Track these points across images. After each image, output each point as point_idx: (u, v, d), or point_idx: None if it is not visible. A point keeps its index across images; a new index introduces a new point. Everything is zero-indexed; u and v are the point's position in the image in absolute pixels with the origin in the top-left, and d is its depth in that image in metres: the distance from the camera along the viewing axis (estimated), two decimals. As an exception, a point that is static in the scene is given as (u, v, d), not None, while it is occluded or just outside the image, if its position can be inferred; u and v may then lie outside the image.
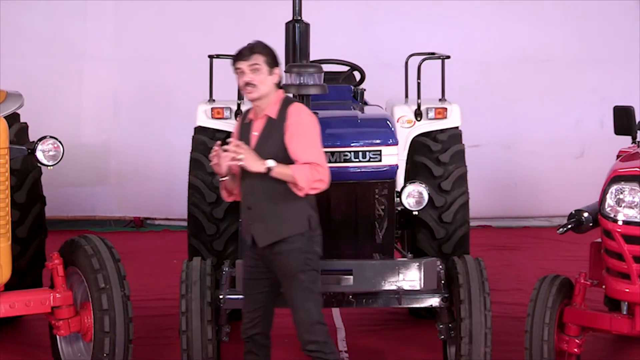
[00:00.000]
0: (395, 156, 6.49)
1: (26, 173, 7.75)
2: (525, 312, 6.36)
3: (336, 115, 6.98)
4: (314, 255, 5.85)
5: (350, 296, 6.53)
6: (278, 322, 8.16)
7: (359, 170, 6.43)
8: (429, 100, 8.03)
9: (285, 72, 6.56)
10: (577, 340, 6.27)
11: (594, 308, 6.52)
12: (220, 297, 6.40)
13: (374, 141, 6.45)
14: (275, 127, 5.78)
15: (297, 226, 5.78)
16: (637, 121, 6.88)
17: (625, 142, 7.11)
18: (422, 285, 6.33)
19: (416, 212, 6.82)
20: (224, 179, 5.85)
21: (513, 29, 12.28)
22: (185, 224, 7.93)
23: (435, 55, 8.25)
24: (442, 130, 7.96)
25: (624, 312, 6.14)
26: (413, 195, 6.76)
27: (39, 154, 6.80)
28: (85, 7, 12.09)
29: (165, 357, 7.34)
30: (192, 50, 11.00)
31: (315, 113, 6.59)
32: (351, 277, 6.25)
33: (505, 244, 11.29)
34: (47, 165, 6.85)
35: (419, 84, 7.94)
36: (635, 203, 6.01)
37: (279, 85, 5.90)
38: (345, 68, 8.20)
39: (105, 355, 6.31)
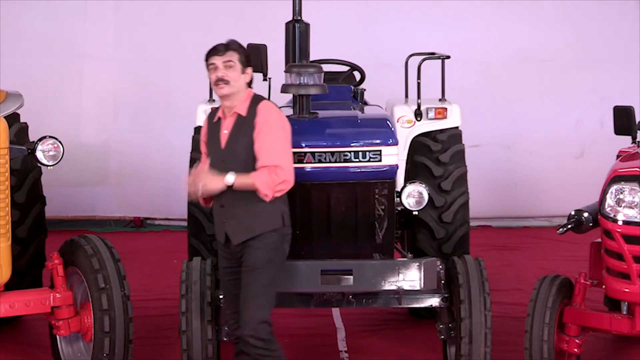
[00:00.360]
0: (395, 156, 6.49)
1: (26, 173, 7.75)
2: (525, 312, 6.36)
3: (336, 115, 6.98)
4: (281, 254, 5.89)
5: (350, 296, 6.53)
6: (278, 322, 8.16)
7: (359, 170, 6.43)
8: (429, 100, 8.03)
9: (285, 72, 6.57)
10: (577, 340, 6.28)
11: (594, 308, 6.52)
12: (220, 297, 6.40)
13: (374, 141, 6.45)
14: (245, 124, 5.80)
15: (271, 222, 5.82)
16: (637, 121, 6.88)
17: (625, 142, 7.11)
18: (422, 285, 6.33)
19: (416, 212, 6.82)
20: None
21: (513, 29, 12.28)
22: (185, 224, 7.93)
23: (435, 55, 8.25)
24: (442, 130, 7.96)
25: (624, 312, 6.14)
26: (413, 195, 6.76)
27: (39, 154, 6.81)
28: (85, 7, 12.09)
29: (165, 357, 7.34)
30: (192, 50, 10.93)
31: (315, 113, 6.62)
32: (351, 277, 6.25)
33: (505, 244, 11.29)
34: (47, 165, 6.86)
35: (419, 84, 7.95)
36: (635, 203, 6.01)
37: (249, 85, 5.91)
38: (345, 68, 8.20)
39: (105, 355, 6.31)
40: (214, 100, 7.89)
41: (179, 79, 11.75)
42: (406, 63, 8.65)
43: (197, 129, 7.91)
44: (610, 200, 6.09)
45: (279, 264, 5.90)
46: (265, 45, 7.45)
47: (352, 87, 7.93)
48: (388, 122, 6.68)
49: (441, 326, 6.56)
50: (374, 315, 8.38)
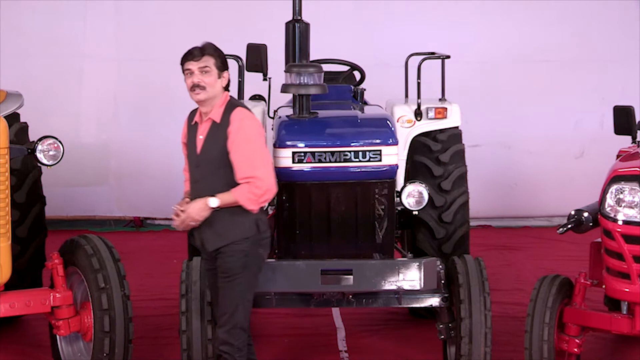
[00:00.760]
0: (395, 156, 6.49)
1: (26, 173, 7.75)
2: (525, 312, 6.36)
3: (336, 115, 6.98)
4: (257, 259, 5.85)
5: (350, 296, 6.53)
6: (278, 322, 8.20)
7: (359, 170, 6.43)
8: (429, 100, 8.03)
9: (285, 72, 6.57)
10: (577, 340, 6.28)
11: (594, 308, 6.52)
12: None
13: (374, 141, 6.45)
14: (219, 131, 5.76)
15: (245, 230, 5.78)
16: (637, 121, 6.88)
17: (625, 142, 7.11)
18: (422, 285, 6.33)
19: (416, 212, 6.83)
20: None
21: (513, 29, 12.28)
22: (185, 224, 7.91)
23: (435, 55, 8.25)
24: (442, 130, 7.96)
25: (624, 312, 6.14)
26: (413, 195, 6.76)
27: (39, 154, 6.81)
28: (85, 7, 12.08)
29: (165, 357, 7.34)
30: (192, 50, 10.99)
31: (315, 113, 6.62)
32: (351, 277, 6.25)
33: (505, 244, 11.29)
34: (47, 165, 6.86)
35: (419, 83, 7.94)
36: (635, 203, 6.01)
37: (226, 89, 5.88)
38: (345, 68, 8.20)
39: (105, 355, 6.32)
40: (214, 100, 7.86)
41: (179, 79, 11.64)
42: (406, 63, 8.65)
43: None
44: (610, 200, 6.09)
45: (255, 269, 5.86)
46: (265, 45, 7.46)
47: (352, 87, 7.93)
48: (388, 122, 6.68)
49: (441, 326, 6.56)
50: (374, 315, 8.38)
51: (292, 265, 6.29)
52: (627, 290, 6.04)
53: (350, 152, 6.42)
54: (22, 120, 8.03)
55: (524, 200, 12.34)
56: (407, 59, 8.64)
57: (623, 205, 6.05)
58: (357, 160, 6.42)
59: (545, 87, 12.30)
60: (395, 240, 7.08)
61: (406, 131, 7.85)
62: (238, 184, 5.71)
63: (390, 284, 6.29)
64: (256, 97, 8.22)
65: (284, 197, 6.47)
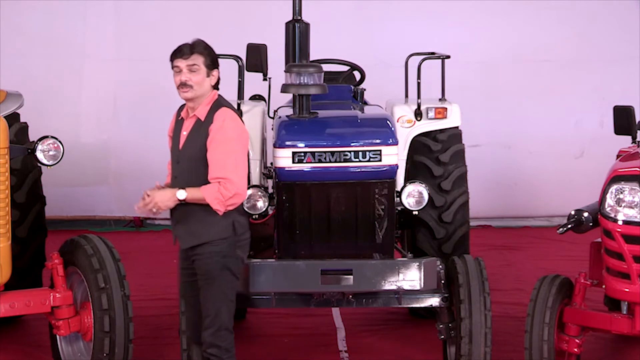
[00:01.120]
0: (395, 156, 6.49)
1: (26, 173, 7.75)
2: (525, 312, 6.36)
3: (336, 115, 6.98)
4: (236, 260, 5.81)
5: (350, 296, 6.53)
6: (278, 322, 8.20)
7: (359, 170, 6.43)
8: (429, 100, 8.03)
9: (285, 72, 6.57)
10: (577, 340, 6.28)
11: (594, 308, 6.52)
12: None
13: (374, 141, 6.45)
14: (202, 129, 5.75)
15: (220, 231, 5.73)
16: (637, 121, 6.88)
17: (625, 142, 7.11)
18: (422, 285, 6.33)
19: (416, 212, 6.83)
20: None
21: (513, 29, 12.28)
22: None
23: (435, 55, 8.24)
24: (442, 130, 7.95)
25: (624, 312, 6.14)
26: (413, 195, 6.76)
27: (39, 154, 6.81)
28: (85, 7, 12.08)
29: (165, 357, 7.34)
30: (192, 50, 10.99)
31: (315, 113, 6.62)
32: (351, 277, 6.25)
33: (505, 244, 11.28)
34: (47, 165, 6.86)
35: (419, 83, 7.94)
36: (635, 203, 6.01)
37: (216, 87, 5.86)
38: (345, 68, 8.20)
39: (105, 355, 6.32)
40: (214, 100, 7.85)
41: (179, 79, 11.74)
42: (406, 63, 8.65)
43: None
44: (610, 200, 6.09)
45: (234, 269, 5.81)
46: (265, 45, 7.45)
47: (352, 87, 7.93)
48: (388, 122, 6.68)
49: (441, 326, 6.56)
50: (374, 315, 8.38)
51: (292, 265, 6.29)
52: (627, 290, 6.04)
53: (350, 152, 6.41)
54: (22, 120, 8.03)
55: (524, 200, 12.35)
56: (407, 59, 8.63)
57: (623, 205, 6.05)
58: (357, 160, 6.42)
59: (545, 87, 12.30)
60: (395, 240, 7.08)
61: (406, 131, 7.84)
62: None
63: (390, 284, 6.29)
64: (256, 97, 8.22)
65: (284, 197, 6.47)
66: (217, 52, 7.92)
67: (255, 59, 7.38)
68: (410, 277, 6.30)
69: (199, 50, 5.78)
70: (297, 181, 6.43)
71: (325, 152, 6.38)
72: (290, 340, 7.83)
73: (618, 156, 7.25)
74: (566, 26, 12.32)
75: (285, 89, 6.54)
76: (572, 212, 6.57)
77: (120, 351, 6.32)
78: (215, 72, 5.83)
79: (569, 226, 6.56)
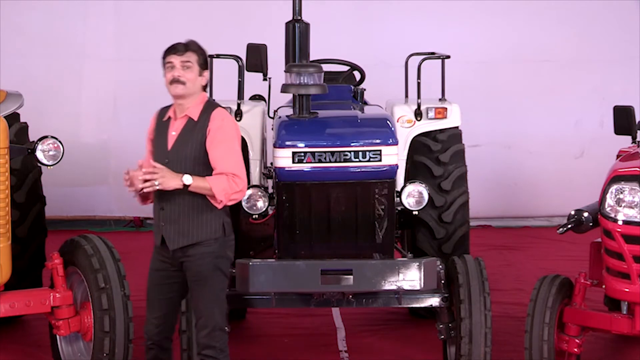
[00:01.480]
0: (395, 156, 6.49)
1: (26, 173, 7.75)
2: (525, 312, 6.36)
3: (336, 115, 6.98)
4: (226, 260, 5.79)
5: (350, 296, 6.53)
6: (278, 322, 8.21)
7: (359, 170, 6.42)
8: (429, 100, 8.03)
9: (285, 72, 6.57)
10: (577, 340, 6.28)
11: (594, 308, 6.53)
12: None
13: (374, 141, 6.45)
14: (196, 129, 5.72)
15: (211, 231, 5.71)
16: (637, 121, 6.88)
17: (625, 142, 7.11)
18: (422, 285, 6.32)
19: (416, 212, 6.83)
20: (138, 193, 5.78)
21: (513, 29, 12.28)
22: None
23: (435, 55, 8.24)
24: (442, 130, 7.95)
25: (624, 312, 6.14)
26: (413, 195, 6.76)
27: (39, 154, 6.81)
28: (85, 7, 12.08)
29: (165, 357, 7.33)
30: (192, 50, 10.99)
31: (315, 113, 6.62)
32: (351, 277, 6.24)
33: (505, 244, 11.28)
34: (47, 165, 6.86)
35: (419, 83, 7.94)
36: (635, 203, 6.01)
37: (204, 89, 5.84)
38: (345, 68, 8.20)
39: (105, 355, 6.32)
40: (214, 100, 7.85)
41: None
42: (406, 63, 8.65)
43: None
44: (610, 200, 6.09)
45: (225, 271, 5.81)
46: (265, 45, 7.45)
47: (352, 87, 7.92)
48: (388, 121, 6.68)
49: (441, 326, 6.56)
50: (374, 315, 8.38)
51: (292, 265, 6.29)
52: (627, 290, 6.05)
53: (350, 152, 6.41)
54: (22, 120, 8.03)
55: (524, 200, 12.35)
56: (407, 59, 8.63)
57: (623, 205, 6.05)
58: (357, 160, 6.41)
59: (545, 87, 12.31)
60: (395, 240, 7.08)
61: (406, 131, 7.84)
62: None
63: (390, 284, 6.29)
64: (256, 97, 8.22)
65: (284, 197, 6.47)
66: (217, 52, 7.97)
67: (255, 59, 7.38)
68: (410, 277, 6.29)
69: (193, 49, 5.79)
70: (297, 181, 6.43)
71: (325, 152, 6.38)
72: (290, 340, 7.83)
73: (618, 156, 7.25)
74: (566, 26, 12.32)
75: (285, 89, 6.54)
76: (572, 212, 6.57)
77: (120, 351, 6.31)
78: (205, 74, 5.82)
79: (569, 226, 6.56)
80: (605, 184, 6.15)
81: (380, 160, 6.43)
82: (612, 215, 6.08)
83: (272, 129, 7.25)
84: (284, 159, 6.40)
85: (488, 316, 6.31)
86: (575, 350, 6.28)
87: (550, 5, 12.26)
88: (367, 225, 6.53)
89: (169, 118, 5.85)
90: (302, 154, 6.38)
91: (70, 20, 12.06)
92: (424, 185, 6.78)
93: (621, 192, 6.06)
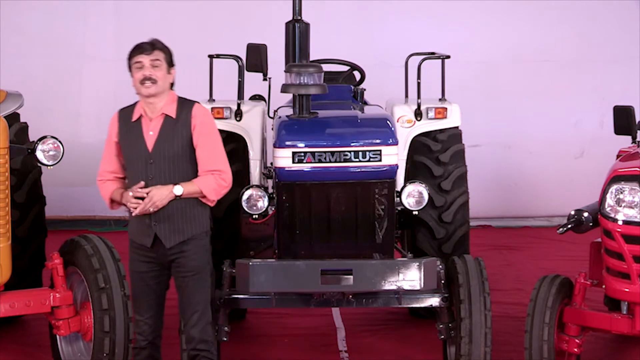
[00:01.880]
0: (395, 156, 6.49)
1: (26, 173, 7.75)
2: (525, 312, 6.35)
3: (336, 115, 6.98)
4: (211, 254, 5.94)
5: (350, 296, 6.53)
6: (278, 322, 8.20)
7: (359, 170, 6.43)
8: (429, 100, 8.03)
9: (285, 72, 6.57)
10: (577, 340, 6.28)
11: (594, 308, 6.52)
12: (221, 297, 6.40)
13: (374, 141, 6.45)
14: (178, 126, 5.76)
15: (202, 225, 5.82)
16: (637, 121, 6.88)
17: (625, 142, 7.11)
18: (422, 285, 6.32)
19: (416, 212, 6.83)
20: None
21: (513, 29, 12.28)
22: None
23: (435, 55, 8.24)
24: (442, 130, 7.95)
25: (624, 312, 6.14)
26: (413, 195, 6.76)
27: (39, 154, 6.81)
28: (85, 7, 12.08)
29: (165, 357, 7.32)
30: (192, 50, 10.98)
31: (315, 113, 6.63)
32: (351, 277, 6.24)
33: (505, 244, 11.28)
34: (47, 165, 6.86)
35: (419, 83, 7.94)
36: (635, 203, 6.01)
37: (172, 86, 5.87)
38: (345, 68, 8.20)
39: (105, 355, 6.31)
40: (214, 100, 7.87)
41: (178, 79, 11.72)
42: (406, 63, 8.65)
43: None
44: (610, 200, 6.09)
45: (211, 264, 5.94)
46: (265, 45, 7.46)
47: (352, 87, 7.93)
48: (388, 121, 6.68)
49: (441, 326, 6.56)
50: (374, 315, 8.38)
51: (292, 265, 6.29)
52: (627, 290, 6.05)
53: (350, 152, 6.41)
54: (22, 120, 8.03)
55: (524, 200, 12.35)
56: (407, 59, 8.63)
57: (623, 205, 6.05)
58: (357, 160, 6.42)
59: (545, 87, 12.31)
60: (395, 240, 7.08)
61: (406, 131, 7.84)
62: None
63: (390, 284, 6.29)
64: (256, 97, 8.23)
65: (284, 197, 6.47)
66: (217, 52, 7.99)
67: (255, 59, 7.38)
68: (410, 277, 6.29)
69: (160, 47, 5.84)
70: (297, 181, 6.44)
71: (325, 152, 6.38)
72: (290, 340, 7.83)
73: (618, 156, 7.25)
74: (566, 26, 12.32)
75: (285, 89, 6.54)
76: (572, 212, 6.58)
77: (120, 351, 6.32)
78: (173, 71, 5.87)
79: (569, 226, 6.56)
80: (605, 184, 6.15)
81: (380, 160, 6.43)
82: (612, 215, 6.08)
83: (272, 129, 7.25)
84: (284, 159, 6.40)
85: (488, 316, 6.31)
86: (575, 350, 6.28)
87: (550, 5, 12.26)
88: (367, 225, 6.53)
89: (139, 118, 5.84)
90: (302, 154, 6.38)
91: (70, 20, 12.06)
92: (424, 185, 6.78)
93: (621, 192, 6.06)
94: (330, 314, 8.31)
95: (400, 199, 6.74)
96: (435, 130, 7.94)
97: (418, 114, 7.88)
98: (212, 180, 5.72)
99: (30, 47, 11.92)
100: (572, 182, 11.93)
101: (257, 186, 6.71)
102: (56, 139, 6.88)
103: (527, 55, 12.28)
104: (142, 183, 5.72)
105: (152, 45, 5.80)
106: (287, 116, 6.71)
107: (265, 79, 7.62)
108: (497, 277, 9.35)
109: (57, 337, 6.73)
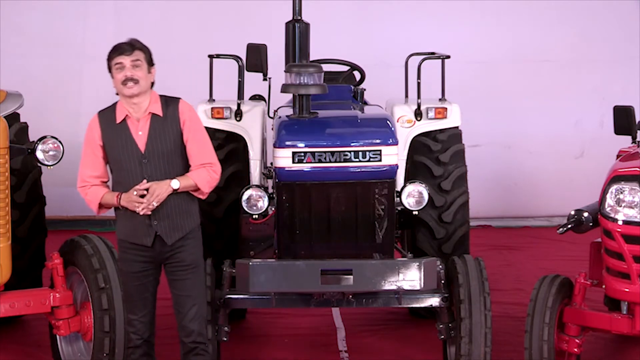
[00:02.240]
0: (395, 156, 6.49)
1: (26, 173, 7.75)
2: (525, 312, 6.36)
3: (336, 115, 6.98)
4: (208, 253, 6.10)
5: (350, 296, 6.53)
6: (278, 322, 8.21)
7: (359, 170, 6.43)
8: (429, 100, 8.03)
9: (285, 72, 6.57)
10: (577, 340, 6.28)
11: (594, 308, 6.52)
12: (221, 297, 6.41)
13: (374, 141, 6.45)
14: (166, 124, 5.79)
15: (197, 218, 5.92)
16: (637, 121, 6.88)
17: (625, 142, 7.11)
18: (422, 285, 6.32)
19: (416, 212, 6.82)
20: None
21: (513, 29, 12.29)
22: (184, 223, 7.90)
23: (435, 55, 8.24)
24: (442, 130, 7.95)
25: (624, 312, 6.14)
26: (413, 195, 6.76)
27: (39, 154, 6.82)
28: (85, 7, 12.09)
29: (165, 357, 7.32)
30: (192, 50, 11.00)
31: (315, 113, 6.63)
32: (351, 277, 6.24)
33: (505, 244, 11.28)
34: (47, 165, 6.87)
35: (419, 83, 7.94)
36: (635, 203, 6.01)
37: (152, 85, 5.89)
38: (345, 68, 8.20)
39: (105, 355, 6.32)
40: (214, 100, 7.88)
41: (179, 79, 11.74)
42: (406, 63, 8.65)
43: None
44: (610, 200, 6.09)
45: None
46: (265, 45, 7.45)
47: (352, 87, 7.92)
48: (388, 121, 6.68)
49: (441, 326, 6.56)
50: (374, 315, 8.38)
51: (292, 265, 6.29)
52: (627, 290, 6.05)
53: (350, 152, 6.41)
54: (22, 120, 8.03)
55: (524, 200, 12.35)
56: (407, 59, 8.63)
57: (623, 205, 6.05)
58: (357, 160, 6.42)
59: (545, 87, 12.31)
60: (395, 240, 7.08)
61: (406, 131, 7.84)
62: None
63: (390, 284, 6.29)
64: (256, 97, 8.23)
65: (284, 197, 6.47)
66: (217, 52, 7.99)
67: (255, 59, 7.38)
68: (410, 277, 6.29)
69: (139, 47, 5.87)
70: (297, 181, 6.43)
71: (325, 152, 6.38)
72: (290, 340, 7.83)
73: (618, 156, 7.25)
74: (566, 26, 12.32)
75: (285, 89, 6.54)
76: (572, 212, 6.58)
77: (120, 351, 6.32)
78: (153, 70, 5.89)
79: (569, 226, 6.56)
80: (605, 184, 6.15)
81: (380, 160, 6.43)
82: (612, 215, 6.08)
83: (272, 129, 7.25)
84: (284, 159, 6.40)
85: (488, 316, 6.31)
86: (575, 350, 6.28)
87: (550, 5, 12.26)
88: (367, 225, 6.53)
89: (124, 119, 5.84)
90: (302, 154, 6.38)
91: (70, 20, 12.06)
92: (424, 185, 6.78)
93: (621, 192, 6.06)
94: (330, 314, 8.31)
95: (400, 199, 6.74)
96: (435, 130, 7.94)
97: (418, 114, 7.88)
98: (205, 173, 5.79)
99: (30, 47, 11.92)
100: (572, 182, 11.94)
101: (257, 186, 6.71)
102: (56, 139, 6.88)
103: (527, 55, 12.28)
104: (145, 183, 5.72)
105: (132, 46, 5.84)
106: (287, 116, 6.71)
107: (265, 79, 7.61)
108: (497, 277, 9.36)
109: (57, 337, 6.74)
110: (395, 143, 6.52)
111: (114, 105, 5.95)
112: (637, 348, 7.43)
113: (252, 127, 7.64)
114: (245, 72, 7.57)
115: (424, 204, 6.77)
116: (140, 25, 12.01)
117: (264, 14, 11.46)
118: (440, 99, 8.20)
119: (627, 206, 6.04)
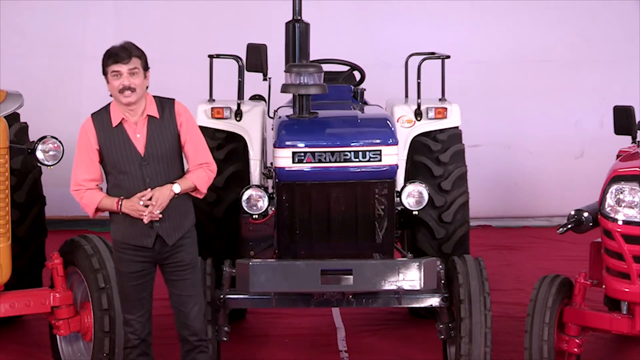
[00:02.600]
0: (395, 156, 6.49)
1: (26, 173, 7.75)
2: (525, 312, 6.36)
3: (336, 115, 6.98)
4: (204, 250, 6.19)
5: (350, 296, 6.53)
6: (278, 322, 8.20)
7: (359, 170, 6.43)
8: (429, 100, 8.03)
9: (285, 72, 6.57)
10: (577, 340, 6.28)
11: (594, 308, 6.52)
12: (221, 297, 6.41)
13: (374, 141, 6.45)
14: (164, 125, 5.80)
15: (192, 217, 5.96)
16: (637, 121, 6.88)
17: (625, 142, 7.11)
18: (422, 285, 6.32)
19: (416, 212, 6.82)
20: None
21: (513, 29, 12.29)
22: (185, 223, 7.90)
23: (435, 55, 8.24)
24: (442, 130, 7.95)
25: (624, 312, 6.14)
26: (413, 195, 6.75)
27: (39, 154, 6.82)
28: (85, 7, 12.09)
29: (165, 357, 7.33)
30: (192, 50, 11.00)
31: (315, 113, 6.63)
32: (351, 277, 6.24)
33: (505, 244, 11.28)
34: (47, 165, 6.86)
35: (419, 83, 7.94)
36: (635, 203, 6.01)
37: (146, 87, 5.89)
38: (345, 68, 8.20)
39: (105, 355, 6.32)
40: (214, 100, 7.87)
41: (179, 79, 11.75)
42: (406, 63, 8.65)
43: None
44: (610, 200, 6.09)
45: None
46: (265, 45, 7.45)
47: (352, 87, 7.92)
48: (388, 121, 6.68)
49: (441, 326, 6.56)
50: (374, 315, 8.38)
51: (292, 265, 6.29)
52: (627, 290, 6.05)
53: (350, 152, 6.41)
54: (22, 120, 8.03)
55: (524, 200, 12.35)
56: (407, 59, 8.63)
57: (623, 205, 6.05)
58: (357, 160, 6.42)
59: (545, 87, 12.31)
60: (395, 240, 7.08)
61: (406, 131, 7.84)
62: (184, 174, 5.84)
63: (390, 284, 6.29)
64: (256, 97, 8.23)
65: (284, 197, 6.47)
66: (217, 52, 7.98)
67: (255, 59, 7.38)
68: (410, 277, 6.29)
69: (136, 54, 5.84)
70: (297, 181, 6.43)
71: (325, 152, 6.38)
72: (290, 340, 7.83)
73: (618, 156, 7.25)
74: (566, 26, 12.32)
75: (285, 89, 6.54)
76: (572, 212, 6.58)
77: (120, 351, 6.31)
78: (148, 73, 5.88)
79: (569, 226, 6.56)
80: (605, 184, 6.15)
81: (380, 160, 6.43)
82: (612, 215, 6.08)
83: (272, 129, 7.25)
84: (284, 159, 6.40)
85: (488, 316, 6.31)
86: (575, 350, 6.28)
87: (550, 5, 12.26)
88: (367, 225, 6.53)
89: (121, 122, 5.82)
90: (302, 154, 6.38)
91: (70, 20, 12.06)
92: (424, 185, 6.78)
93: (621, 192, 6.06)
94: (330, 314, 8.31)
95: (400, 199, 6.74)
96: (435, 130, 7.94)
97: (418, 114, 7.88)
98: (203, 173, 5.84)
99: (30, 47, 11.92)
100: (572, 182, 11.93)
101: (257, 186, 6.71)
102: (56, 139, 6.88)
103: (527, 55, 12.28)
104: (149, 192, 5.71)
105: (129, 53, 5.80)
106: (287, 116, 6.71)
107: (265, 79, 7.61)
108: (497, 277, 9.36)
109: (57, 337, 6.74)
110: (395, 143, 6.52)
111: (107, 107, 5.89)
112: (637, 348, 7.43)
113: (252, 127, 7.64)
114: (245, 72, 7.57)
115: (424, 204, 6.77)
116: (140, 25, 12.03)
117: (264, 14, 11.46)
118: (440, 99, 8.20)
119: (627, 206, 6.04)
